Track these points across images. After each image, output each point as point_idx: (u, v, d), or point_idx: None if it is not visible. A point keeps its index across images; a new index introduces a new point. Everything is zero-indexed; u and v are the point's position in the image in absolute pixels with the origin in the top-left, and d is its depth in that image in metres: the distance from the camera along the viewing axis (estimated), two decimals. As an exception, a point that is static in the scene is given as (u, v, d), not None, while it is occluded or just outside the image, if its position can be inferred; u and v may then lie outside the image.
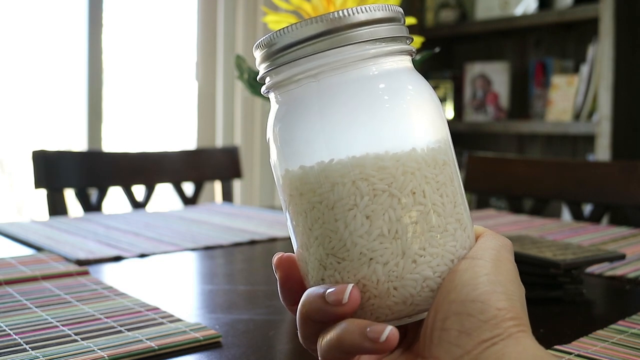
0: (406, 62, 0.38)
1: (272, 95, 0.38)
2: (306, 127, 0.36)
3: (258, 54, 0.38)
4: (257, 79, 0.39)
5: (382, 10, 0.36)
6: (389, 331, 0.33)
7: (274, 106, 0.38)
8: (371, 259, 0.35)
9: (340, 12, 0.35)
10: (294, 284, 0.38)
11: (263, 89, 0.38)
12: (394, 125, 0.36)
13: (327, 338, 0.34)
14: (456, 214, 0.36)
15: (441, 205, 0.35)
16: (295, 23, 0.36)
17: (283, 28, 0.36)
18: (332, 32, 0.35)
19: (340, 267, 0.35)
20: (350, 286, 0.34)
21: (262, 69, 0.38)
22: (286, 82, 0.37)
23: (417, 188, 0.35)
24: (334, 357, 0.34)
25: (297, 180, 0.37)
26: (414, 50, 0.38)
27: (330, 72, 0.36)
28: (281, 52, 0.36)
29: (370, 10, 0.36)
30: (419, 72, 0.39)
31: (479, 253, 0.35)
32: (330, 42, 0.35)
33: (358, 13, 0.35)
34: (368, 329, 0.33)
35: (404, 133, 0.36)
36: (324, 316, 0.35)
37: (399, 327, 0.37)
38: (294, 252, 0.39)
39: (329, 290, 0.34)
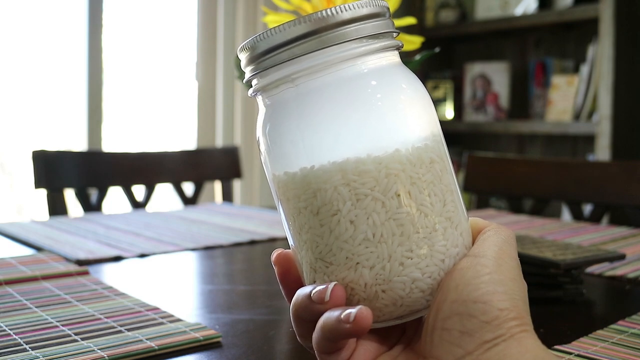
0: (394, 57, 0.37)
1: (259, 98, 0.38)
2: (288, 133, 0.35)
3: (242, 57, 0.37)
4: (244, 82, 0.38)
5: (368, 7, 0.35)
6: (357, 310, 0.33)
7: (261, 109, 0.38)
8: (357, 263, 0.34)
9: (323, 12, 0.34)
10: (291, 280, 0.39)
11: (250, 91, 0.38)
12: (376, 127, 0.35)
13: (315, 330, 0.35)
14: (446, 212, 0.35)
15: (429, 205, 0.35)
16: (278, 25, 0.35)
17: (266, 31, 0.35)
18: (315, 34, 0.34)
19: (329, 270, 0.35)
20: (332, 284, 0.34)
21: (247, 72, 0.37)
22: (270, 86, 0.36)
23: (402, 190, 0.34)
24: (324, 347, 0.35)
25: (282, 185, 0.36)
26: (400, 44, 0.37)
27: (312, 75, 0.35)
28: (264, 56, 0.35)
29: (355, 8, 0.35)
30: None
31: (481, 250, 0.35)
32: (313, 44, 0.34)
33: (342, 12, 0.34)
34: (342, 314, 0.34)
35: (386, 134, 0.35)
36: (311, 314, 0.35)
37: (398, 325, 0.38)
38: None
39: (314, 290, 0.35)
